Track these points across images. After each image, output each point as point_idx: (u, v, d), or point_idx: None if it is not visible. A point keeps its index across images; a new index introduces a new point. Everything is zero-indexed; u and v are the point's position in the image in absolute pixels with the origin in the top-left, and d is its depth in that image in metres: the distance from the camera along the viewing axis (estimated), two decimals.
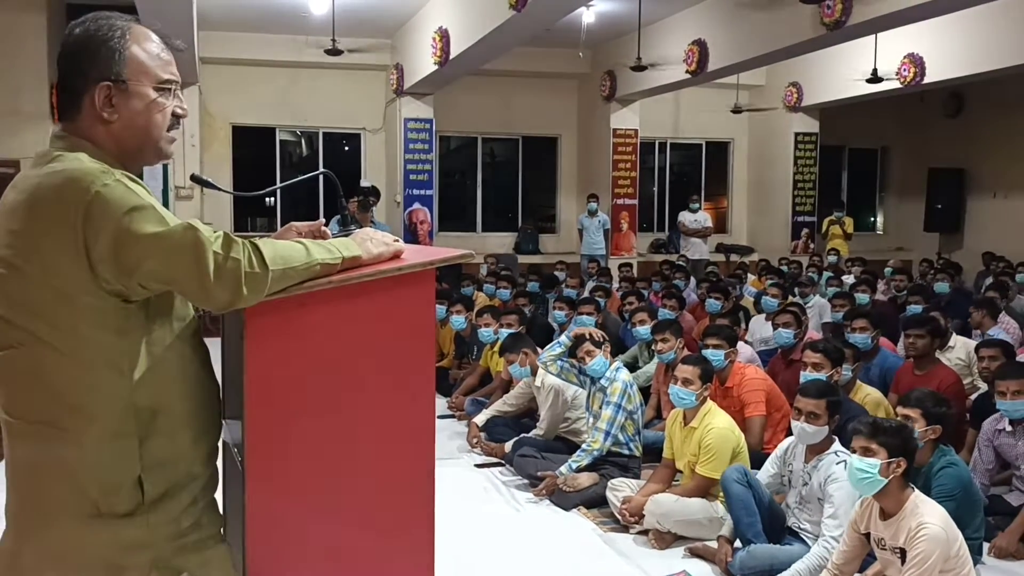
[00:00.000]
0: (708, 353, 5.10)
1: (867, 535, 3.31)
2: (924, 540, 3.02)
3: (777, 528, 3.92)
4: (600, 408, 4.78)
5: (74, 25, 1.63)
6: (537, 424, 5.52)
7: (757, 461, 4.33)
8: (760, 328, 7.38)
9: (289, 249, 1.60)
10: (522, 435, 5.46)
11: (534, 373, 5.51)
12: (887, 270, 10.32)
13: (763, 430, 4.94)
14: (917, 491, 3.24)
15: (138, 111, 1.61)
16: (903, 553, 3.10)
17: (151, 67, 1.62)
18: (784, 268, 11.04)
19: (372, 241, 1.77)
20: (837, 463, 3.67)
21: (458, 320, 7.19)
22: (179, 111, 1.68)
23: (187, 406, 1.63)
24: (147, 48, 1.63)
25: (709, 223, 13.09)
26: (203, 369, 1.70)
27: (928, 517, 3.09)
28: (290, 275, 1.59)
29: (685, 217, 12.99)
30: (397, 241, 1.83)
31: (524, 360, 5.51)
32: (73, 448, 1.53)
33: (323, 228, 1.91)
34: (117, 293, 1.52)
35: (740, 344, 5.85)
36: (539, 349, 5.48)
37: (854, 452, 3.23)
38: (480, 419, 5.79)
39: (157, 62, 1.63)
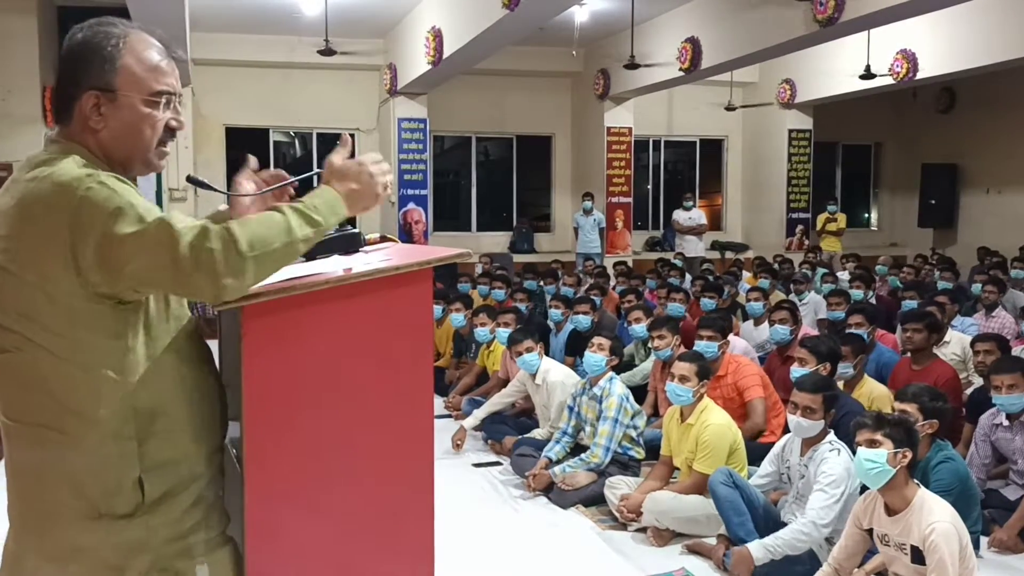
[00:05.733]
0: (701, 345, 5.12)
1: (869, 531, 3.32)
2: (941, 541, 3.03)
3: (772, 525, 3.92)
4: (596, 418, 4.78)
5: (76, 30, 1.60)
6: (540, 424, 5.50)
7: (754, 455, 4.33)
8: (751, 334, 7.08)
9: (266, 228, 1.50)
10: (523, 436, 5.43)
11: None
12: (879, 268, 10.35)
13: (765, 411, 4.98)
14: (922, 487, 3.25)
15: (126, 122, 1.58)
16: (913, 550, 3.11)
17: (143, 78, 1.58)
18: (776, 267, 11.04)
19: (358, 187, 1.65)
20: (831, 450, 3.73)
21: (457, 318, 7.17)
22: (173, 124, 1.63)
23: (186, 406, 1.62)
24: (143, 58, 1.58)
25: (703, 220, 13.07)
26: (202, 369, 1.69)
27: (938, 515, 3.10)
28: (274, 256, 1.51)
29: (679, 215, 13.00)
30: (382, 166, 1.69)
31: (535, 349, 5.36)
32: (73, 451, 1.52)
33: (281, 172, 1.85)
34: (110, 296, 1.50)
35: (732, 337, 5.87)
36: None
37: (859, 446, 3.24)
38: (469, 423, 5.69)
39: (150, 73, 1.58)
